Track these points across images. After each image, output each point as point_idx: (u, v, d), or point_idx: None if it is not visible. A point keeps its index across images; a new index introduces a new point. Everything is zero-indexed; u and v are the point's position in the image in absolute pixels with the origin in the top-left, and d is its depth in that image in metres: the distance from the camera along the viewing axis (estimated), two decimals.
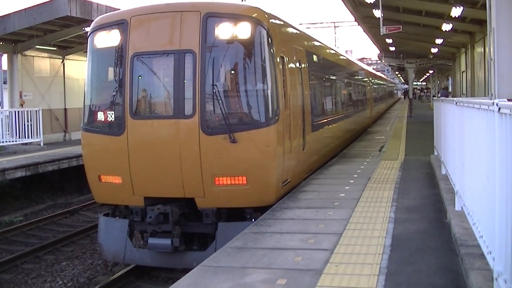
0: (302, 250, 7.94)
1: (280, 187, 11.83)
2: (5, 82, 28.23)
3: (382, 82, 56.01)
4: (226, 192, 11.28)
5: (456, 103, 9.46)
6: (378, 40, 45.39)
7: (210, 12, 11.39)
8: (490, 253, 5.77)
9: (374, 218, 9.75)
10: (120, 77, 11.77)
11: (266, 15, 11.94)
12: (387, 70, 73.84)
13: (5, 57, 27.40)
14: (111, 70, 12.23)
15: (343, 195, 11.97)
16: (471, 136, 7.56)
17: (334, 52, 23.69)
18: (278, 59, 11.95)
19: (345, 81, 25.15)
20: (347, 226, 9.25)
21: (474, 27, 31.88)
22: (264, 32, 11.46)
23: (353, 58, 38.53)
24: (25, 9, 24.22)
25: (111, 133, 11.85)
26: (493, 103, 5.45)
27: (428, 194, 11.91)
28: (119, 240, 11.98)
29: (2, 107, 28.27)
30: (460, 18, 28.40)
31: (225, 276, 7.01)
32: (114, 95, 11.85)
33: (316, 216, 10.07)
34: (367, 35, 45.10)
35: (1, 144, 25.10)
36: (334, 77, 21.60)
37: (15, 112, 25.89)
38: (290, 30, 14.62)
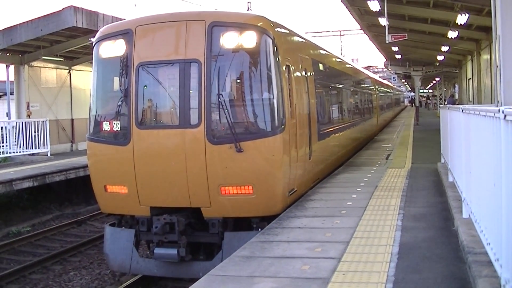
0: (309, 259, 7.94)
1: (287, 196, 11.72)
2: (12, 93, 28.31)
3: (389, 90, 55.93)
4: (232, 201, 11.20)
5: (462, 110, 9.47)
6: (384, 48, 45.43)
7: (215, 21, 11.33)
8: (498, 260, 5.76)
9: (381, 226, 9.74)
10: (126, 87, 11.71)
11: (272, 24, 11.86)
12: (393, 78, 73.71)
13: (12, 68, 27.49)
14: (116, 80, 12.14)
15: (350, 203, 11.96)
16: (477, 144, 7.55)
17: (340, 60, 23.42)
18: (284, 68, 11.88)
19: (352, 89, 24.95)
20: (354, 234, 9.24)
21: (480, 34, 31.87)
22: (270, 41, 11.39)
23: (359, 66, 38.37)
24: (31, 20, 24.32)
25: (117, 143, 11.80)
26: (498, 110, 5.46)
27: (435, 202, 11.89)
28: (125, 250, 11.93)
29: (9, 118, 28.37)
30: (466, 26, 28.42)
31: (232, 285, 7.01)
32: (119, 105, 11.79)
33: (323, 225, 10.07)
34: (373, 43, 45.12)
35: (9, 154, 25.20)
36: (340, 86, 21.39)
37: (22, 123, 26.00)
38: (296, 38, 14.51)
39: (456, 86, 68.90)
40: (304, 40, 15.64)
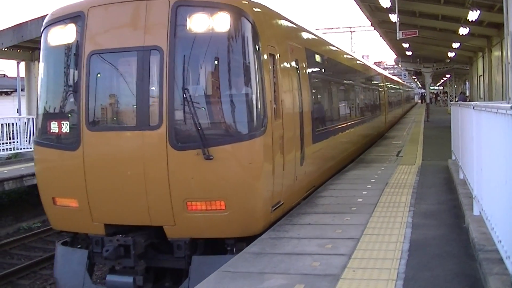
0: (319, 255, 7.94)
1: (269, 212, 9.83)
2: (22, 90, 28.44)
3: (398, 87, 55.53)
4: (201, 219, 9.36)
5: (473, 107, 9.43)
6: (394, 44, 45.34)
7: (181, 0, 9.46)
8: (509, 257, 5.75)
9: (391, 223, 9.72)
10: (75, 80, 9.92)
11: (252, 5, 10.02)
12: (404, 74, 73.66)
13: (22, 64, 27.62)
14: (65, 71, 10.33)
15: (361, 200, 11.94)
16: (488, 141, 7.53)
17: (342, 52, 21.01)
18: (266, 58, 10.01)
19: (356, 85, 22.87)
20: (365, 231, 9.23)
21: (491, 30, 31.79)
22: (248, 25, 9.50)
23: (366, 60, 37.33)
24: (41, 16, 24.34)
25: (65, 147, 9.96)
26: (510, 107, 5.44)
27: (446, 199, 11.86)
28: (76, 274, 10.05)
29: (20, 114, 28.49)
30: (477, 22, 28.33)
31: (243, 282, 7.02)
32: (68, 102, 10.15)
33: (333, 221, 10.06)
34: (383, 40, 45.06)
35: (19, 150, 25.30)
36: (342, 81, 19.68)
37: (32, 119, 26.07)
38: (285, 24, 12.29)
39: (467, 83, 68.76)
40: (295, 27, 13.27)
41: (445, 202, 11.53)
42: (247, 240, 9.24)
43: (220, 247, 9.54)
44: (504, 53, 16.00)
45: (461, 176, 12.47)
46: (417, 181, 14.30)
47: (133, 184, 9.42)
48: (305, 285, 6.71)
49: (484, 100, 38.03)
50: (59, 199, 10.18)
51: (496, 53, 33.36)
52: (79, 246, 10.55)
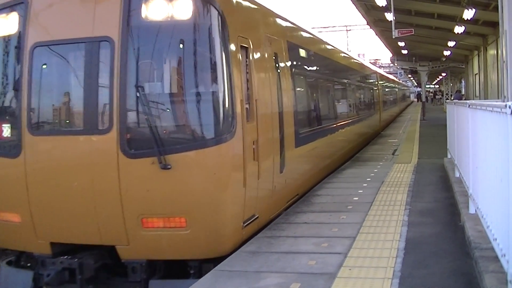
0: (315, 254, 7.95)
1: (240, 228, 8.66)
2: None
3: (394, 85, 55.38)
4: (159, 238, 8.18)
5: (469, 105, 9.46)
6: (390, 43, 45.41)
7: None
8: (504, 255, 5.76)
9: (387, 221, 9.74)
10: (17, 77, 8.72)
11: None
12: (400, 73, 73.80)
13: None
14: (6, 67, 9.08)
15: (357, 198, 11.96)
16: (484, 139, 7.55)
17: (330, 47, 19.42)
18: (236, 50, 8.78)
19: (346, 83, 21.67)
20: (361, 229, 9.24)
21: (487, 29, 31.84)
22: (214, 12, 8.27)
23: (360, 57, 36.31)
24: None
25: (5, 154, 8.74)
26: (505, 105, 5.45)
27: (441, 197, 11.88)
28: None
29: None
30: (473, 21, 28.36)
31: (239, 281, 7.02)
32: (8, 102, 8.94)
33: (329, 220, 10.07)
34: (379, 39, 45.12)
35: None
36: (330, 78, 18.27)
37: None
38: (261, 13, 10.96)
39: (463, 81, 68.87)
40: (275, 17, 11.91)
41: (441, 200, 11.55)
42: (215, 261, 8.11)
43: (184, 270, 8.47)
44: (500, 52, 16.02)
45: (457, 174, 12.50)
46: (413, 179, 14.33)
47: (80, 197, 8.25)
48: (301, 284, 6.73)
49: (479, 99, 38.10)
50: (0, 213, 8.99)
51: (492, 51, 33.41)
52: (29, 264, 9.21)
